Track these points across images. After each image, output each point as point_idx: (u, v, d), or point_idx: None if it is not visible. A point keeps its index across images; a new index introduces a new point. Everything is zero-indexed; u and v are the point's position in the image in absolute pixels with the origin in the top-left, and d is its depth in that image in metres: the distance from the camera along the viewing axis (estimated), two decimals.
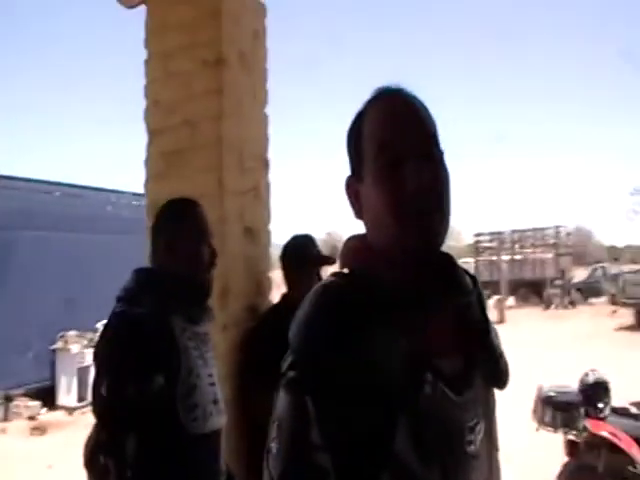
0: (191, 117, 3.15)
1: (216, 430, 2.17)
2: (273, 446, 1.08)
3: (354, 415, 1.05)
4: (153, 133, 3.27)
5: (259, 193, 3.40)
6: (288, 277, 3.23)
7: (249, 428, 2.75)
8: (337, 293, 1.16)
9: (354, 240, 1.30)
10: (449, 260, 1.25)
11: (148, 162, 3.28)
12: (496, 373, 1.28)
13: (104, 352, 2.03)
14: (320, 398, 1.06)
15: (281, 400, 1.11)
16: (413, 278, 1.16)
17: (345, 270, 1.23)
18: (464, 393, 1.15)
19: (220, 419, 2.20)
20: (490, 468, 1.24)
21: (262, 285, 3.36)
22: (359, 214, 1.24)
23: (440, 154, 1.19)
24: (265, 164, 3.50)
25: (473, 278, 1.28)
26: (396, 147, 1.15)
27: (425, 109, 1.22)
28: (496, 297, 24.32)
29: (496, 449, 1.30)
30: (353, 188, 1.24)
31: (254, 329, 3.08)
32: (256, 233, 3.33)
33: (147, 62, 3.33)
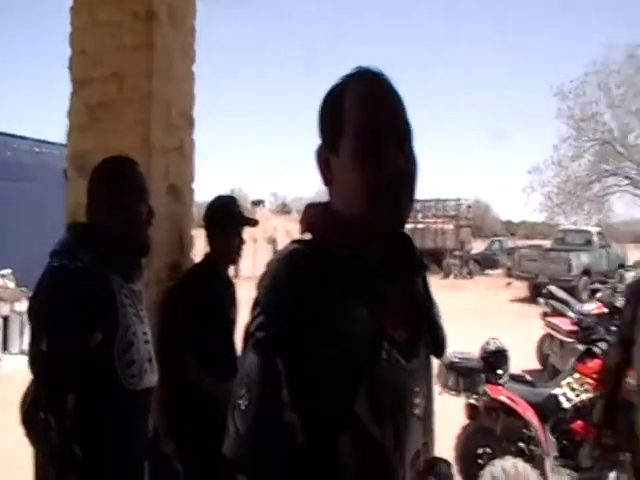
0: (119, 70, 3.06)
1: (149, 388, 2.17)
2: (241, 403, 1.14)
3: (321, 377, 1.12)
4: (78, 83, 3.15)
5: (184, 151, 3.37)
6: (211, 237, 3.23)
7: (167, 386, 2.75)
8: (305, 259, 1.22)
9: (315, 208, 1.36)
10: (408, 239, 1.36)
11: (71, 113, 3.17)
12: (437, 343, 1.42)
13: (43, 306, 1.99)
14: (290, 359, 1.12)
15: (250, 360, 1.16)
16: (377, 252, 1.25)
17: (307, 237, 1.30)
18: (412, 361, 1.28)
19: (154, 377, 2.21)
20: (429, 429, 1.40)
21: (185, 243, 3.36)
22: (328, 183, 1.31)
23: (413, 142, 1.29)
24: (191, 122, 3.49)
25: (422, 256, 1.39)
26: (378, 132, 1.22)
27: (400, 95, 1.30)
28: None
29: (433, 412, 1.42)
30: (325, 158, 1.30)
31: (174, 288, 3.08)
32: (180, 191, 3.32)
33: (73, 9, 3.19)
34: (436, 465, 1.37)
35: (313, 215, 1.35)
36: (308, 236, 1.30)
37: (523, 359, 9.33)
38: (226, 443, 1.17)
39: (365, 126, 1.23)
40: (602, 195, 26.55)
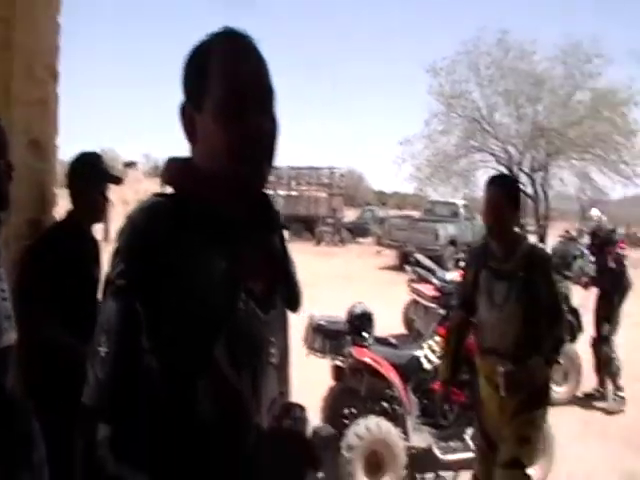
0: None
1: (9, 346, 2.06)
2: (101, 350, 1.15)
3: (179, 325, 1.16)
4: None
5: (48, 105, 3.19)
6: (74, 193, 3.07)
7: (26, 345, 2.61)
8: (165, 209, 1.25)
9: (177, 162, 1.37)
10: (267, 199, 1.44)
11: None
12: (292, 297, 1.49)
13: None
14: (148, 307, 1.14)
15: (110, 307, 1.17)
16: (237, 209, 1.31)
17: (169, 190, 1.32)
18: (269, 312, 1.34)
19: (12, 335, 2.08)
20: (285, 378, 1.48)
21: (46, 200, 3.20)
22: (192, 138, 1.32)
23: (275, 105, 1.34)
24: (55, 75, 3.30)
25: (279, 215, 1.47)
26: (242, 93, 1.27)
27: (264, 59, 1.34)
28: None
29: (289, 363, 1.49)
30: (189, 114, 1.32)
31: (34, 245, 2.91)
32: (42, 146, 3.15)
33: None
34: (291, 410, 1.42)
35: (175, 169, 1.36)
36: (169, 190, 1.32)
37: (390, 324, 9.62)
38: (86, 391, 1.16)
39: (230, 86, 1.26)
40: (469, 170, 27.65)
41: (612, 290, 7.31)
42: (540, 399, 3.66)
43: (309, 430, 1.46)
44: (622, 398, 7.16)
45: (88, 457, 1.13)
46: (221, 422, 1.23)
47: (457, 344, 4.01)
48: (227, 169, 1.26)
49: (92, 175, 3.03)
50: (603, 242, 7.65)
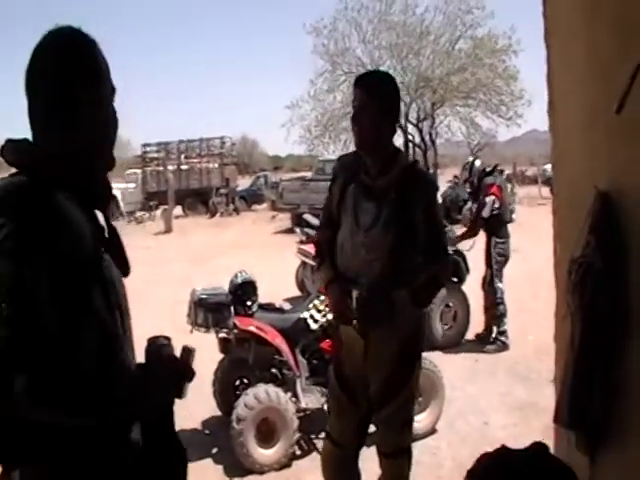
0: None
1: None
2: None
3: (64, 279, 1.38)
4: None
5: None
6: None
7: None
8: (31, 180, 1.48)
9: (18, 142, 1.57)
10: (107, 180, 1.74)
11: None
12: (123, 263, 1.74)
13: None
14: (37, 267, 1.33)
15: (1, 268, 1.32)
16: (94, 183, 1.63)
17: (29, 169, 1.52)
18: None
19: None
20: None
21: None
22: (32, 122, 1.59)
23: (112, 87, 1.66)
24: None
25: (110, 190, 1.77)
26: (99, 89, 1.61)
27: (99, 49, 1.63)
28: (163, 207, 24.40)
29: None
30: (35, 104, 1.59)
31: None
32: None
33: None
34: (157, 339, 1.74)
35: (20, 149, 1.57)
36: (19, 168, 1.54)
37: (285, 288, 9.61)
38: None
39: (88, 84, 1.57)
40: None
41: (487, 235, 7.48)
42: (412, 356, 3.20)
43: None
44: (503, 343, 7.21)
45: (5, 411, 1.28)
46: (103, 359, 1.49)
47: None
48: (88, 153, 1.59)
49: None
50: (475, 189, 7.82)
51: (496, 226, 7.39)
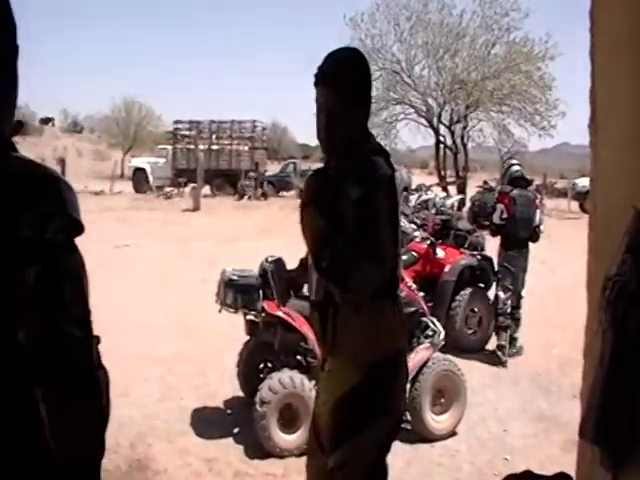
0: None
1: None
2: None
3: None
4: None
5: None
6: None
7: None
8: None
9: None
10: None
11: None
12: None
13: None
14: None
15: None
16: None
17: None
18: None
19: None
20: None
21: None
22: None
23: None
24: None
25: None
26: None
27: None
28: (192, 185, 24.52)
29: None
30: None
31: None
32: None
33: None
34: None
35: None
36: None
37: None
38: None
39: None
40: (390, 122, 27.76)
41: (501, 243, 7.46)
42: (354, 415, 2.49)
43: None
44: (499, 359, 6.98)
45: None
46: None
47: None
48: None
49: None
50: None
51: (504, 236, 7.36)
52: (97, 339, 1.35)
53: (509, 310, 7.18)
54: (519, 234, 7.28)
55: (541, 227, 7.64)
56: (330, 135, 2.51)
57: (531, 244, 7.43)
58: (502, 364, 6.92)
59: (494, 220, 7.36)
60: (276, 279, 2.88)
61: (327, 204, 2.39)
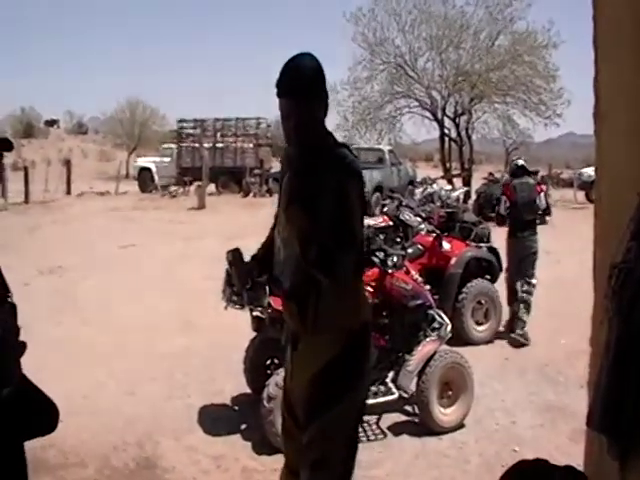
0: None
1: None
2: None
3: None
4: None
5: None
6: None
7: None
8: None
9: None
10: None
11: None
12: None
13: None
14: None
15: None
16: None
17: None
18: None
19: None
20: None
21: None
22: None
23: None
24: None
25: None
26: None
27: None
28: (197, 183, 24.53)
29: None
30: None
31: None
32: None
33: None
34: None
35: None
36: None
37: None
38: None
39: None
40: (394, 116, 27.68)
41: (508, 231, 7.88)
42: (336, 384, 2.70)
43: None
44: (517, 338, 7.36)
45: None
46: None
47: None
48: None
49: None
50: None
51: (510, 223, 7.81)
52: None
53: (520, 293, 7.48)
54: (523, 217, 7.67)
55: (550, 210, 8.32)
56: (299, 139, 2.77)
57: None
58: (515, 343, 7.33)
59: (500, 211, 7.92)
60: (234, 268, 3.20)
61: (309, 199, 2.61)
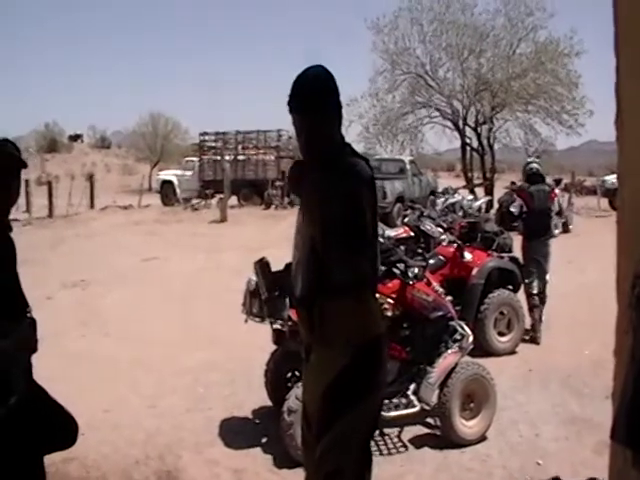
0: None
1: None
2: None
3: None
4: None
5: None
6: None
7: None
8: None
9: None
10: None
11: None
12: None
13: None
14: None
15: None
16: None
17: None
18: None
19: None
20: None
21: None
22: None
23: None
24: None
25: None
26: None
27: None
28: (219, 196, 24.63)
29: None
30: None
31: None
32: None
33: None
34: None
35: None
36: None
37: None
38: None
39: None
40: (415, 126, 27.68)
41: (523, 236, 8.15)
42: (346, 395, 2.72)
43: None
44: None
45: None
46: None
47: None
48: None
49: (14, 163, 2.75)
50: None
51: (525, 228, 8.06)
52: None
53: (535, 291, 7.79)
54: (539, 224, 7.93)
55: (566, 216, 8.53)
56: (313, 153, 2.81)
57: (555, 239, 8.27)
58: (535, 341, 7.65)
59: (511, 209, 8.11)
60: (261, 277, 3.29)
61: (320, 206, 2.67)
